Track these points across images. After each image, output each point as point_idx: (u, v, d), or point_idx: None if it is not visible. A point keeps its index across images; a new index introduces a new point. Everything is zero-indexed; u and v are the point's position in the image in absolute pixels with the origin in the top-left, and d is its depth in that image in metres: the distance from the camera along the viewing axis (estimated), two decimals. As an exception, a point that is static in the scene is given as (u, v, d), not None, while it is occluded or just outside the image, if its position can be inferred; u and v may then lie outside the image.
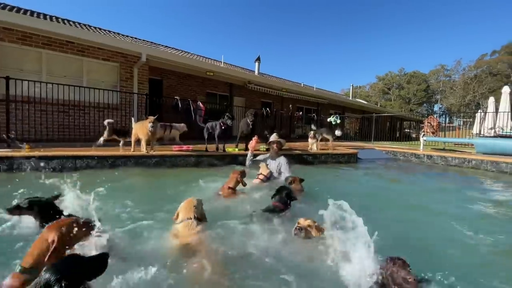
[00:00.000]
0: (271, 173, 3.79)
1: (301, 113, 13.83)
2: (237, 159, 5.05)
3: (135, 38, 11.21)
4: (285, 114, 13.60)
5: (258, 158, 4.49)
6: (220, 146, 5.16)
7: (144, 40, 11.53)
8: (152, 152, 4.52)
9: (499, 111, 11.72)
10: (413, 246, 1.98)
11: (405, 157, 7.50)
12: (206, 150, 4.90)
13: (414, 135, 24.11)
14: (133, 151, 4.57)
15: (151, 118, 4.36)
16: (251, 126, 5.26)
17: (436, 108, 53.49)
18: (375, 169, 6.19)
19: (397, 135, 26.54)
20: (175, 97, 8.07)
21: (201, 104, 7.91)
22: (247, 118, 5.25)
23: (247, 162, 4.66)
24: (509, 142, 7.35)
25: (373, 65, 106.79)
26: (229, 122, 4.72)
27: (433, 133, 18.17)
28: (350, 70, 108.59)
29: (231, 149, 5.46)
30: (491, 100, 13.91)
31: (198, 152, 4.83)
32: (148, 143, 4.55)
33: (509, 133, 11.22)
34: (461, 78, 47.53)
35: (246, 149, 5.53)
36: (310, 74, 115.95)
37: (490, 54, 46.13)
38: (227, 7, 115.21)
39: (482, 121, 14.37)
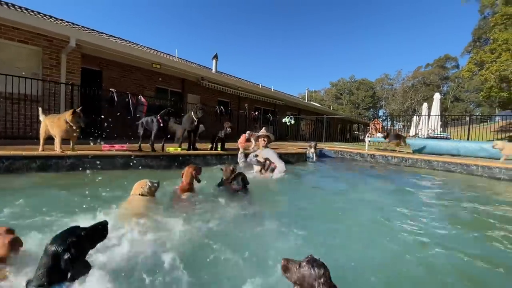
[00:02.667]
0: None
1: (257, 113, 13.68)
2: (177, 160, 4.51)
3: (65, 21, 9.71)
4: (242, 114, 13.34)
5: (248, 159, 4.38)
6: (158, 145, 4.55)
7: (76, 24, 10.05)
8: (68, 152, 3.73)
9: (431, 115, 13.21)
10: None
11: (351, 156, 7.81)
12: (140, 150, 4.25)
13: (361, 137, 26.18)
14: (42, 150, 3.72)
15: (72, 112, 3.60)
16: (195, 123, 4.75)
17: (380, 112, 59.38)
18: (320, 166, 6.32)
19: (347, 136, 28.50)
20: (110, 89, 7.10)
21: (143, 99, 7.09)
22: (192, 113, 4.71)
23: (240, 163, 4.55)
24: (438, 143, 8.18)
25: (328, 71, 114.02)
26: (169, 118, 4.11)
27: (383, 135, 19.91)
28: (307, 75, 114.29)
29: (172, 148, 4.90)
30: (425, 106, 15.69)
31: (128, 152, 4.16)
32: (62, 141, 3.74)
33: (439, 135, 12.71)
34: (401, 86, 53.53)
35: (190, 148, 5.03)
36: (270, 76, 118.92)
37: (425, 66, 52.94)
38: (190, 5, 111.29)
39: (417, 124, 16.18)
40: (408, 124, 22.00)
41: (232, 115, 12.96)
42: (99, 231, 1.24)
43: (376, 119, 35.04)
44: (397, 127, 32.15)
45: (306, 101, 27.19)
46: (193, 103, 11.52)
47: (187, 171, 2.89)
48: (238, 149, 5.10)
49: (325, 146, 9.07)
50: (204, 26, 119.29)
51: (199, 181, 2.94)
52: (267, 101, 16.36)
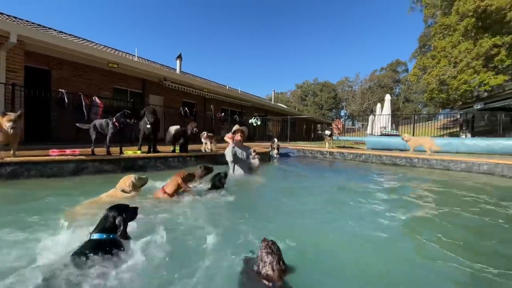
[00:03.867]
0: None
1: (223, 114, 13.67)
2: (136, 164, 4.37)
3: (5, 15, 8.73)
4: (208, 115, 13.23)
5: (225, 153, 4.39)
6: (115, 148, 4.36)
7: (18, 19, 9.08)
8: (7, 159, 3.40)
9: (382, 114, 14.48)
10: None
11: (312, 154, 8.26)
12: (93, 154, 4.02)
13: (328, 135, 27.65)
14: (-24, 158, 3.33)
15: (11, 115, 3.29)
16: (148, 125, 4.62)
17: (342, 113, 63.09)
18: (282, 164, 6.61)
19: (312, 136, 29.84)
20: (60, 90, 6.56)
21: (97, 100, 6.67)
22: (145, 118, 4.60)
23: (230, 160, 4.41)
24: (389, 139, 9.04)
25: (294, 73, 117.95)
26: (125, 120, 3.91)
27: (339, 133, 21.16)
28: (274, 77, 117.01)
29: (131, 151, 4.72)
30: (378, 106, 17.10)
31: (81, 157, 3.91)
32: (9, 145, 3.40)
33: (390, 132, 13.98)
34: (360, 88, 57.55)
35: (150, 151, 4.89)
36: (237, 78, 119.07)
37: (379, 70, 57.54)
38: (153, 3, 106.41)
39: (373, 123, 17.59)
40: (366, 122, 23.79)
41: (198, 116, 12.79)
42: (134, 212, 1.76)
43: (337, 119, 37.32)
44: (356, 126, 34.48)
45: (272, 102, 27.84)
46: (155, 104, 11.12)
47: (174, 179, 2.67)
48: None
49: (289, 145, 9.43)
50: (168, 24, 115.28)
51: (189, 189, 2.73)
52: (234, 102, 16.44)
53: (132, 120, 4.17)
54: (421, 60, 19.03)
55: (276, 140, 7.24)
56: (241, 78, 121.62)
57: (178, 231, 1.88)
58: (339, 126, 22.92)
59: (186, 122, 10.57)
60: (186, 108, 10.94)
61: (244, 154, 4.42)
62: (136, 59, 12.83)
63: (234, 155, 4.25)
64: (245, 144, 4.76)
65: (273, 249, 1.33)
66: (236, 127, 4.64)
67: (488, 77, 14.77)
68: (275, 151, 7.16)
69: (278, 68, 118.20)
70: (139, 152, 4.85)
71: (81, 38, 11.59)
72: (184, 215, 2.18)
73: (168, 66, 16.70)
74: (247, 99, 17.61)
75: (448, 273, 1.48)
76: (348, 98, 60.34)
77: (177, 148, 5.62)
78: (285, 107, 31.47)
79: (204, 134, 6.23)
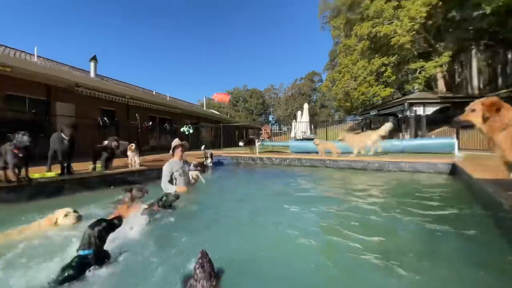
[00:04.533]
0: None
1: (151, 123, 12.88)
2: (47, 189, 3.81)
3: None
4: (133, 125, 12.20)
5: (164, 168, 4.22)
6: (18, 172, 3.68)
7: None
8: None
9: (302, 121, 16.44)
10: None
11: (245, 160, 8.78)
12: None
13: (256, 141, 29.19)
14: None
15: None
16: (66, 142, 4.11)
17: (270, 118, 67.64)
18: (218, 172, 6.85)
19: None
20: None
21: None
22: (61, 133, 4.07)
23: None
24: (308, 143, 10.39)
25: (224, 80, 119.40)
26: (25, 139, 3.30)
27: (268, 138, 22.76)
28: (205, 83, 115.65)
29: (37, 175, 4.06)
30: (299, 113, 19.25)
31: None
32: None
33: (309, 136, 15.95)
34: (284, 96, 62.99)
35: (63, 173, 4.29)
36: (167, 83, 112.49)
37: (300, 79, 64.23)
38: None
39: (295, 128, 19.71)
40: (290, 127, 26.29)
41: (120, 126, 11.66)
42: (116, 223, 2.04)
43: (266, 124, 39.91)
44: (283, 129, 37.54)
45: (204, 108, 27.62)
46: (64, 115, 9.60)
47: (117, 213, 2.63)
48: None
49: (223, 153, 9.70)
50: (80, 20, 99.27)
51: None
52: (163, 109, 15.61)
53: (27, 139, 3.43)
54: (330, 74, 22.52)
55: (203, 147, 7.39)
56: (170, 83, 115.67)
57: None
58: (267, 131, 24.65)
59: (105, 133, 9.53)
60: (105, 118, 9.86)
61: (186, 168, 4.41)
62: (35, 59, 10.81)
63: (177, 171, 4.18)
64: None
65: (204, 265, 1.44)
66: (176, 141, 4.54)
67: (379, 89, 18.71)
68: (209, 160, 7.30)
69: (210, 74, 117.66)
70: (49, 174, 4.23)
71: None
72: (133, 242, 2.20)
73: (80, 69, 14.62)
74: (177, 106, 17.01)
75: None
76: (275, 104, 65.20)
77: (98, 165, 5.14)
78: (218, 113, 31.66)
79: (132, 146, 5.85)
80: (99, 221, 1.91)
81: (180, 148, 4.38)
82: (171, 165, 4.22)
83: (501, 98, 2.09)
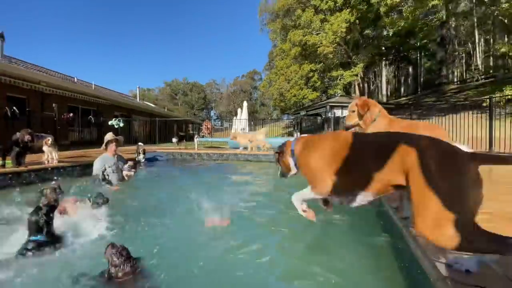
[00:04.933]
0: None
1: (71, 114, 11.48)
2: None
3: None
4: (49, 116, 10.66)
5: (95, 163, 4.12)
6: None
7: None
8: None
9: (242, 118, 17.19)
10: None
11: (182, 156, 8.86)
12: None
13: (196, 137, 28.74)
14: None
15: None
16: None
17: (212, 114, 66.96)
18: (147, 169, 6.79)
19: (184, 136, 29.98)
20: None
21: None
22: None
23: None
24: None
25: (161, 70, 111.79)
26: None
27: (209, 133, 22.78)
28: (138, 72, 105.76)
29: None
30: (239, 110, 19.97)
31: None
32: None
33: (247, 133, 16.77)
34: (226, 91, 63.19)
35: None
36: (94, 70, 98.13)
37: (241, 76, 65.35)
38: None
39: (235, 124, 20.38)
40: (231, 123, 26.91)
41: (33, 117, 10.08)
42: (53, 206, 2.06)
43: (206, 120, 39.48)
44: (225, 125, 37.89)
45: (138, 100, 25.62)
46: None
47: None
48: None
49: (158, 149, 9.50)
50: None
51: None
52: (86, 99, 13.94)
53: None
54: (268, 75, 24.02)
55: (142, 148, 7.21)
56: (98, 71, 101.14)
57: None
58: (208, 126, 24.61)
59: (14, 124, 8.14)
60: (14, 107, 8.42)
61: (120, 165, 4.27)
62: None
63: (110, 167, 4.04)
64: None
65: (120, 252, 1.50)
66: (109, 135, 4.30)
67: (308, 93, 21.00)
68: (141, 156, 7.11)
69: (143, 62, 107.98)
70: None
71: None
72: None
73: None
74: (103, 96, 15.39)
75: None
76: (216, 100, 64.83)
77: (8, 161, 4.59)
78: (153, 105, 29.78)
79: (49, 140, 5.31)
80: (38, 207, 1.96)
81: (114, 143, 4.23)
82: (103, 160, 4.06)
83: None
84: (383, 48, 22.09)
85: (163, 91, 62.84)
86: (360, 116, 2.52)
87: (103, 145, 4.32)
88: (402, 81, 36.49)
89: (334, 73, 20.43)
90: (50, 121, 10.74)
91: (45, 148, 5.33)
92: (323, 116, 18.30)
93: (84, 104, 14.25)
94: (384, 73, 31.17)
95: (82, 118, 13.54)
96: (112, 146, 4.22)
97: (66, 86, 12.47)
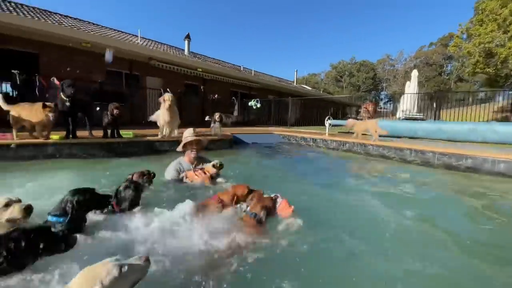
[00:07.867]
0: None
1: (216, 95, 13.07)
2: (44, 150, 3.95)
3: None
4: (212, 98, 12.85)
5: (168, 170, 3.05)
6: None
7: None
8: None
9: (406, 93, 12.19)
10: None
11: (297, 141, 7.13)
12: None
13: (328, 119, 25.18)
14: None
15: None
16: (68, 103, 4.03)
17: (383, 95, 57.22)
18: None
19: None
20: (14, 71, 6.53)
21: (56, 81, 6.46)
22: (63, 92, 3.97)
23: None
24: (396, 124, 7.40)
25: (329, 53, 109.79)
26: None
27: (369, 117, 18.99)
28: (306, 57, 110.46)
29: (57, 136, 4.24)
30: (407, 84, 14.54)
31: None
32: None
33: (413, 116, 11.80)
34: (403, 67, 51.08)
35: (68, 136, 4.29)
36: (264, 60, 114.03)
37: (428, 45, 50.01)
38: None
39: (402, 105, 15.14)
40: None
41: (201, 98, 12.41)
42: (103, 202, 1.68)
43: (368, 102, 33.58)
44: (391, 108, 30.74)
45: (295, 84, 26.06)
46: (153, 88, 10.85)
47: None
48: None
49: (275, 131, 8.36)
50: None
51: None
52: (241, 84, 15.51)
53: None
54: (464, 28, 15.42)
55: (218, 114, 6.17)
56: (268, 59, 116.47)
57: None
58: (368, 109, 20.67)
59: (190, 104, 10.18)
60: (179, 90, 10.48)
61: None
62: (139, 41, 12.62)
63: (184, 172, 2.98)
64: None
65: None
66: (188, 132, 3.17)
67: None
68: (217, 124, 6.08)
69: (311, 47, 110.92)
70: (56, 137, 4.33)
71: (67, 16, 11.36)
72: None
73: (175, 47, 16.33)
74: (254, 80, 16.46)
75: None
76: (389, 78, 54.16)
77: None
78: (309, 88, 29.40)
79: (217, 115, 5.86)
80: (85, 190, 1.59)
81: (193, 151, 3.06)
82: (178, 164, 3.05)
83: None
84: None
85: (328, 75, 61.47)
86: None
87: (181, 145, 3.14)
88: None
89: None
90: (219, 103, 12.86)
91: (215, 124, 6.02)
92: None
93: (241, 88, 16.00)
94: None
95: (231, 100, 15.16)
96: (190, 154, 3.07)
97: (223, 72, 14.32)
